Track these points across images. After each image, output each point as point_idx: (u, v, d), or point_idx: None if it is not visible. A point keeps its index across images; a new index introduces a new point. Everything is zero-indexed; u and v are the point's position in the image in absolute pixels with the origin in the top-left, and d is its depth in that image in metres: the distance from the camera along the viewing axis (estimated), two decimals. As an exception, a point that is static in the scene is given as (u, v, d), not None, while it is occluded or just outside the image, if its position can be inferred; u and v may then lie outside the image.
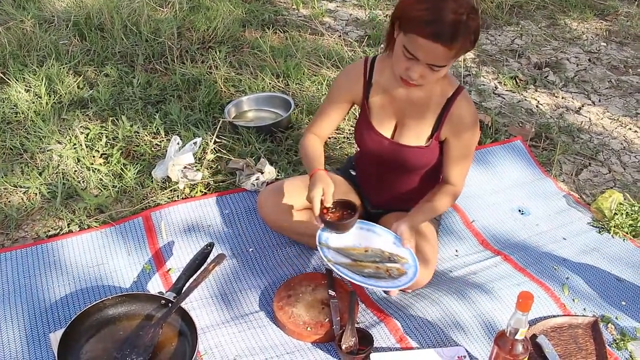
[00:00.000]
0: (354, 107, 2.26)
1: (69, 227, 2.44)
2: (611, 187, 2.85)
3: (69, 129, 2.95)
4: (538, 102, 3.51)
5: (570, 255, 2.44)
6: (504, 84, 3.65)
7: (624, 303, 2.24)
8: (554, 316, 2.14)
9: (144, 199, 2.58)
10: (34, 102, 3.14)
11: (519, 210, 2.66)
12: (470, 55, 3.94)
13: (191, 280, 2.05)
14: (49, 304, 2.13)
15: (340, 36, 4.00)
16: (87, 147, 2.84)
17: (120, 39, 3.66)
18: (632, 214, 2.58)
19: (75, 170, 2.72)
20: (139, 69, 3.47)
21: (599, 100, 3.57)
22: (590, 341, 2.07)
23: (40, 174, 2.68)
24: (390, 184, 2.23)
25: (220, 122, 2.95)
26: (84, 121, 3.03)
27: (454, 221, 2.56)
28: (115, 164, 2.75)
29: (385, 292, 2.20)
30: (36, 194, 2.59)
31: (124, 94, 3.24)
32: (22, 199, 2.58)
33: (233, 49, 3.74)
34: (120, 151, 2.83)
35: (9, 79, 3.28)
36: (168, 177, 2.65)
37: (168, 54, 3.56)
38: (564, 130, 3.25)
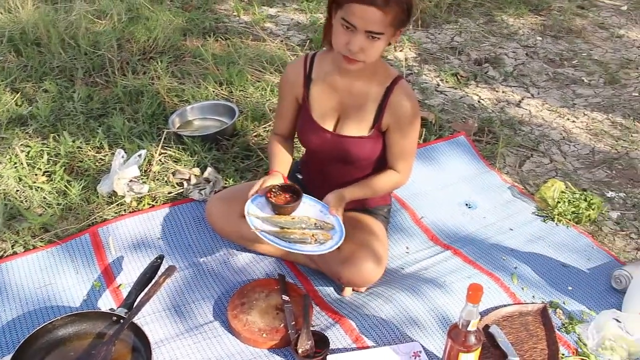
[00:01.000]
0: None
1: (12, 248, 2.37)
2: (553, 177, 2.93)
3: (9, 147, 2.87)
4: (479, 97, 3.58)
5: (517, 245, 2.49)
6: (446, 81, 3.72)
7: (570, 288, 2.31)
8: (505, 305, 2.19)
9: (90, 215, 2.53)
10: (-30, 122, 3.05)
11: (466, 204, 2.71)
12: (411, 54, 4.00)
13: (142, 294, 2.02)
14: (-4, 329, 2.06)
15: (282, 41, 4.00)
16: (28, 165, 2.77)
17: (59, 54, 3.58)
18: (573, 201, 2.66)
19: (17, 190, 2.65)
20: (79, 83, 3.41)
21: (538, 93, 3.67)
22: (540, 327, 2.12)
23: (-20, 196, 2.61)
24: (335, 179, 2.21)
25: (165, 133, 2.91)
26: (24, 139, 2.95)
27: (403, 218, 2.59)
28: (58, 181, 2.69)
29: (338, 293, 2.22)
30: (-23, 216, 2.52)
31: (65, 109, 3.17)
32: (-38, 222, 2.50)
33: (175, 58, 3.70)
34: (63, 168, 2.76)
35: (-58, 100, 3.18)
36: (114, 191, 2.60)
37: (108, 67, 3.50)
38: (505, 123, 3.33)
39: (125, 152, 2.74)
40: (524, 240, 2.52)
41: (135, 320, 1.95)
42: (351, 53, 1.90)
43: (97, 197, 2.61)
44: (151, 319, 2.10)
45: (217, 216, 2.24)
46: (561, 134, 3.29)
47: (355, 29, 1.85)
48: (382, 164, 2.19)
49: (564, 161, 3.08)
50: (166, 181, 2.71)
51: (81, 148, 2.89)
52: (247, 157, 2.89)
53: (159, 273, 2.08)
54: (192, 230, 2.47)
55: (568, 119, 3.42)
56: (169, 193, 2.65)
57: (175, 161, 2.82)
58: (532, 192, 2.81)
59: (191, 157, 2.84)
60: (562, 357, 2.01)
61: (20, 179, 2.70)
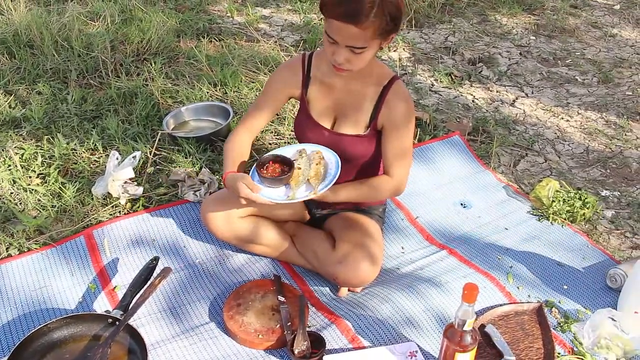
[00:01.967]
0: (292, 106, 2.27)
1: (7, 251, 2.36)
2: (548, 176, 2.93)
3: (3, 150, 2.86)
4: (474, 96, 3.59)
5: (512, 244, 2.50)
6: (440, 81, 3.72)
7: (565, 287, 2.31)
8: (501, 305, 2.19)
9: (85, 217, 2.52)
10: (-37, 125, 3.04)
11: (461, 204, 2.72)
12: (405, 54, 4.01)
13: (138, 296, 2.01)
14: (-10, 332, 2.06)
15: (276, 42, 4.00)
16: (22, 167, 2.76)
17: (52, 56, 3.57)
18: (568, 200, 2.67)
19: (12, 192, 2.64)
20: (73, 84, 3.40)
21: (532, 92, 3.68)
22: (536, 326, 2.12)
23: (-26, 199, 2.60)
24: None
25: (159, 134, 2.91)
26: (18, 141, 2.94)
27: (398, 218, 2.59)
28: (53, 183, 2.68)
29: (334, 293, 2.22)
30: (-29, 219, 2.51)
31: (59, 111, 3.16)
32: (-44, 225, 2.49)
33: (168, 60, 3.69)
34: (57, 170, 2.76)
35: None
36: (108, 193, 2.59)
37: (102, 68, 3.50)
38: (500, 123, 3.33)
39: (120, 154, 2.73)
40: (519, 240, 2.53)
41: (131, 322, 1.94)
42: (337, 63, 1.92)
43: (92, 199, 2.60)
44: (147, 321, 2.10)
45: (213, 217, 2.23)
46: (555, 133, 3.30)
47: (337, 43, 1.87)
48: (378, 169, 2.21)
49: (558, 160, 3.08)
50: (161, 183, 2.71)
51: (75, 150, 2.88)
52: (242, 158, 2.88)
53: (155, 275, 2.07)
54: (187, 232, 2.46)
55: (562, 118, 3.43)
56: (164, 194, 2.65)
57: (169, 162, 2.81)
58: (527, 192, 2.81)
59: (186, 158, 2.84)
60: (558, 356, 2.02)
61: (15, 182, 2.69)
